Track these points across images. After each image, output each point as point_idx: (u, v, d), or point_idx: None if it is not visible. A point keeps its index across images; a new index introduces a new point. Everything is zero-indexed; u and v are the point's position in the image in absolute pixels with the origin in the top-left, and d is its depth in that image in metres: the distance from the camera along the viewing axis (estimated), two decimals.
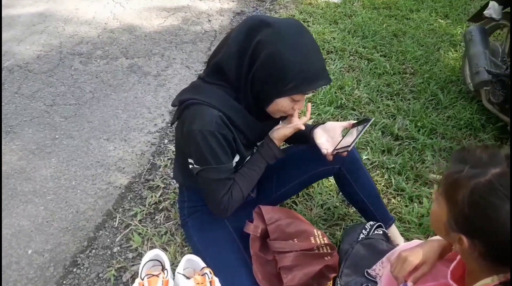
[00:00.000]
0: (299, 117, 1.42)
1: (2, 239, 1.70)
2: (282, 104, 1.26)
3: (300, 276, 1.31)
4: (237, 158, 1.43)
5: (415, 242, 1.24)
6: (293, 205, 1.83)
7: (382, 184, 1.93)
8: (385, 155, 2.09)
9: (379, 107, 2.43)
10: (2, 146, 2.16)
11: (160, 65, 2.89)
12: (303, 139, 1.53)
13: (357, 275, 1.44)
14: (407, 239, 1.64)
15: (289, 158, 1.60)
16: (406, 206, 1.82)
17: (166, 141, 2.24)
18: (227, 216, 1.42)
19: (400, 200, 1.86)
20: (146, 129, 2.31)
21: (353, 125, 1.44)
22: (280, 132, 1.41)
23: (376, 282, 1.39)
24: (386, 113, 2.40)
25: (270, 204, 1.56)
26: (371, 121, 1.36)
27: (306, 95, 1.31)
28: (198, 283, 1.36)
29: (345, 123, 1.47)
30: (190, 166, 1.36)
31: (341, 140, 1.40)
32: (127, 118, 2.39)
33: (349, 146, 1.31)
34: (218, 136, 1.28)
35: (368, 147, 2.12)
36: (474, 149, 0.87)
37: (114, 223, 1.77)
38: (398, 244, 1.58)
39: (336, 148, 1.38)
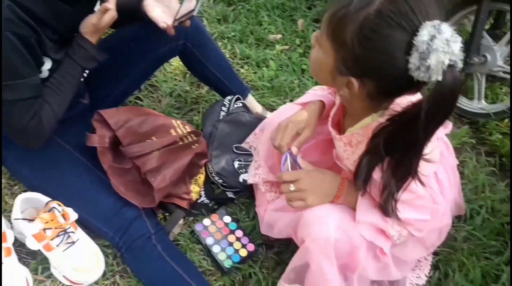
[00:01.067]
0: None
1: None
2: None
3: (171, 173, 1.16)
4: (48, 64, 1.07)
5: (285, 108, 1.17)
6: (137, 102, 1.57)
7: (228, 55, 1.79)
8: (222, 24, 1.92)
9: None
10: None
11: None
12: (132, 18, 1.23)
13: (227, 153, 1.36)
14: (263, 105, 1.60)
15: (120, 45, 1.30)
16: (255, 72, 1.75)
17: None
18: (38, 146, 1.12)
19: (248, 68, 1.77)
20: None
21: None
22: (88, 23, 1.08)
23: (249, 155, 1.34)
24: None
25: (110, 107, 1.28)
26: None
27: None
28: (47, 222, 1.09)
29: None
30: None
31: (180, 7, 1.16)
32: None
33: (193, 10, 1.08)
34: (11, 39, 0.92)
35: (203, 19, 1.90)
36: None
37: None
38: (257, 113, 1.53)
39: (176, 17, 1.13)
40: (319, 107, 1.07)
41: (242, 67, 1.77)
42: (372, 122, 0.86)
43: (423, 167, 0.84)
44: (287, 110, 1.11)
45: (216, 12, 1.94)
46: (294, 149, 1.02)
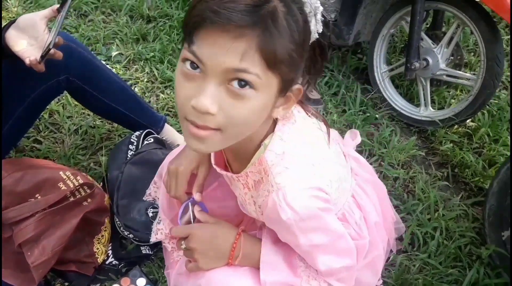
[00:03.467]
0: None
1: None
2: None
3: (53, 243, 0.94)
4: None
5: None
6: (36, 145, 1.34)
7: (145, 79, 1.59)
8: (140, 44, 1.71)
9: None
10: None
11: None
12: None
13: (138, 201, 1.15)
14: None
15: None
16: None
17: None
18: None
19: (170, 93, 1.57)
20: None
21: (58, 10, 0.98)
22: None
23: None
24: None
25: None
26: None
27: None
28: None
29: (46, 12, 0.98)
30: None
31: (50, 37, 0.95)
32: None
33: (51, 41, 0.88)
34: None
35: (116, 40, 1.69)
36: None
37: None
38: (179, 145, 1.33)
39: (44, 50, 0.93)
40: None
41: (162, 92, 1.57)
42: (265, 151, 0.70)
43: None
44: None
45: (133, 31, 1.72)
46: (197, 196, 0.86)
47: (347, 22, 1.66)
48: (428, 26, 1.73)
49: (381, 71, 1.72)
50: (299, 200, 0.69)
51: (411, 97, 1.75)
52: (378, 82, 1.72)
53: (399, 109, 1.68)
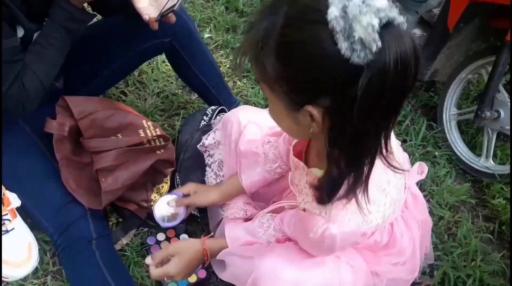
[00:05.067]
0: None
1: None
2: None
3: (124, 176, 1.05)
4: (20, 32, 1.00)
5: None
6: (121, 96, 1.49)
7: (228, 66, 1.71)
8: (229, 34, 1.84)
9: None
10: None
11: None
12: (120, 7, 1.15)
13: (199, 166, 1.25)
14: None
15: (104, 33, 1.22)
16: (253, 87, 1.66)
17: None
18: (26, 114, 1.03)
19: (246, 82, 1.68)
20: None
21: None
22: None
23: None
24: None
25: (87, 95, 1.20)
26: None
27: None
28: None
29: None
30: None
31: (169, 2, 1.08)
32: None
33: (174, 5, 1.00)
34: None
35: (210, 25, 1.83)
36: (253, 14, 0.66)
37: None
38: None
39: (162, 11, 1.05)
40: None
41: (240, 79, 1.68)
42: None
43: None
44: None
45: (226, 20, 1.86)
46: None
47: (428, 58, 1.70)
48: (507, 81, 1.73)
49: (450, 112, 1.73)
50: (341, 235, 0.74)
51: (474, 146, 1.74)
52: (444, 122, 1.73)
53: (459, 154, 1.68)
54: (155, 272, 0.94)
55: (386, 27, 0.54)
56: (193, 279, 1.13)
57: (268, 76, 0.64)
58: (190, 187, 1.11)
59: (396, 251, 0.93)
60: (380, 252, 0.92)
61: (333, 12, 0.54)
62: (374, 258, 0.92)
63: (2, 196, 1.02)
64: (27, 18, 0.97)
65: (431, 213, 1.47)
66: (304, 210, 0.83)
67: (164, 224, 1.08)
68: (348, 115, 0.58)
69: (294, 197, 0.96)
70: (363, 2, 0.54)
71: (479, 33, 1.67)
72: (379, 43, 0.53)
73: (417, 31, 1.77)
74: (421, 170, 1.04)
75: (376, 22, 0.53)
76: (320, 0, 0.57)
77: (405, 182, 0.88)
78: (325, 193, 0.70)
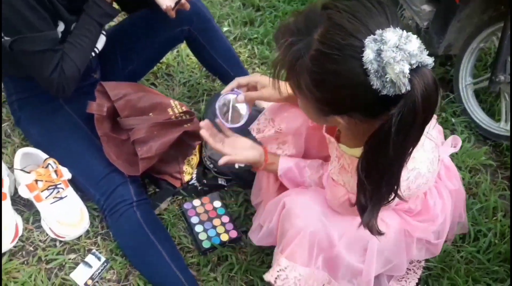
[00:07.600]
0: None
1: None
2: None
3: (157, 146, 1.19)
4: (61, 26, 1.17)
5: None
6: (151, 87, 1.65)
7: (246, 55, 1.84)
8: (247, 27, 1.98)
9: None
10: None
11: None
12: (143, 4, 1.31)
13: None
14: None
15: (131, 28, 1.39)
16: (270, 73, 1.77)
17: None
18: (67, 96, 1.20)
19: (264, 69, 1.80)
20: None
21: None
22: None
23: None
24: None
25: None
26: None
27: None
28: (40, 175, 1.16)
29: None
30: (3, 40, 1.09)
31: None
32: None
33: None
34: None
35: (228, 20, 1.98)
36: (288, 21, 0.70)
37: None
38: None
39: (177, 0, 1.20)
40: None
41: (258, 66, 1.81)
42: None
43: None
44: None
45: (243, 15, 2.00)
46: (240, 96, 1.03)
47: (438, 32, 1.75)
48: None
49: (465, 83, 1.77)
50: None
51: (493, 113, 1.77)
52: (461, 93, 1.77)
53: (478, 121, 1.71)
54: (212, 143, 0.99)
55: (415, 71, 0.62)
56: (225, 237, 1.24)
57: (301, 87, 0.70)
58: (254, 77, 1.03)
59: (429, 218, 0.98)
60: (413, 218, 0.98)
61: (369, 55, 0.62)
62: (406, 219, 0.98)
63: (55, 168, 1.19)
64: (67, 11, 1.14)
65: None
66: (332, 179, 0.91)
67: (229, 125, 1.02)
68: (383, 144, 0.65)
69: None
70: (396, 46, 0.61)
71: (488, 3, 1.71)
72: (408, 87, 0.62)
73: (427, 7, 1.82)
74: (455, 143, 1.07)
75: (407, 69, 0.61)
76: (355, 36, 0.63)
77: (438, 155, 0.91)
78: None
